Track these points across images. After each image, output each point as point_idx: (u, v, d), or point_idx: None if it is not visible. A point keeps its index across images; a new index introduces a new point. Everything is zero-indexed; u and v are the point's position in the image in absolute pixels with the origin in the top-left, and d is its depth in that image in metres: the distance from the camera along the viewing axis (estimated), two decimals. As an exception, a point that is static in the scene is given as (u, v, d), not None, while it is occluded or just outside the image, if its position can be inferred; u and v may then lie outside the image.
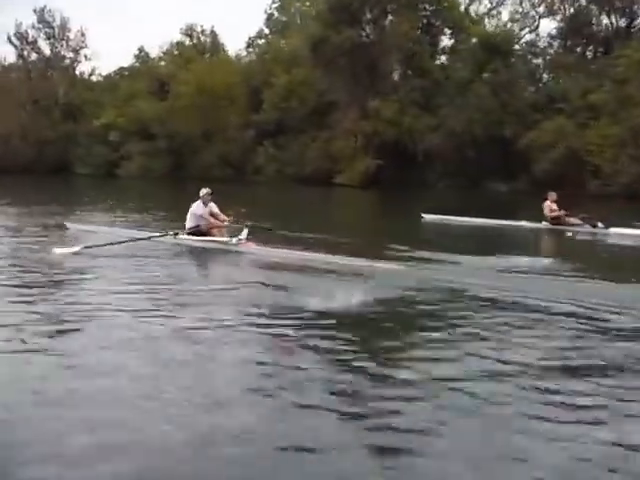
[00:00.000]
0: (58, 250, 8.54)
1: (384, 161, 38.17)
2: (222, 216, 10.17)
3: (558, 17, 40.33)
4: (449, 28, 42.53)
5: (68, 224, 11.83)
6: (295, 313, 5.55)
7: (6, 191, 26.34)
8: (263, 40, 62.11)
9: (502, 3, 44.41)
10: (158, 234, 9.92)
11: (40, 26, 60.68)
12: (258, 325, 5.24)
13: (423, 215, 15.94)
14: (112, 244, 8.92)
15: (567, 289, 6.81)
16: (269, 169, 46.12)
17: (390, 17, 36.74)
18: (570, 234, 13.47)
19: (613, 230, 13.23)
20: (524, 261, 8.77)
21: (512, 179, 33.32)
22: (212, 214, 10.09)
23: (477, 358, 4.46)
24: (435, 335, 5.07)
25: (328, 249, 8.64)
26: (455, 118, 34.09)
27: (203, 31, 58.37)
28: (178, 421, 3.37)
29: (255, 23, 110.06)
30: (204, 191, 10.10)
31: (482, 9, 45.38)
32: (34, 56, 61.73)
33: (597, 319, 5.64)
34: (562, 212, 14.06)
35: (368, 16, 39.78)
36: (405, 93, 37.84)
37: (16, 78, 59.30)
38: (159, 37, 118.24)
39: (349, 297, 5.86)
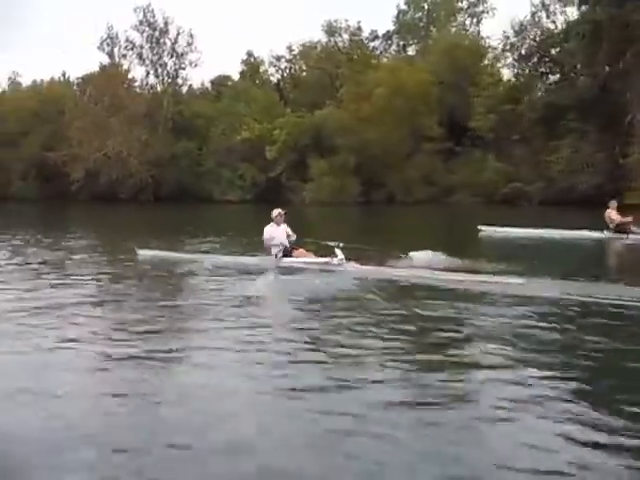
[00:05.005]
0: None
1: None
2: (293, 236, 9.92)
3: None
4: None
5: (138, 250, 10.79)
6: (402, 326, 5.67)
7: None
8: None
9: None
10: (256, 259, 9.98)
11: (145, 28, 50.78)
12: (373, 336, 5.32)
13: (480, 227, 15.86)
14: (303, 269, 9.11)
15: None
16: (497, 187, 37.35)
17: None
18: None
19: None
20: None
21: None
22: (287, 235, 9.86)
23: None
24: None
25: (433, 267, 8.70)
26: None
27: (348, 27, 49.60)
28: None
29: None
30: (276, 212, 9.90)
31: None
32: (134, 62, 51.66)
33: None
34: (628, 219, 14.31)
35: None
36: None
37: (121, 88, 49.07)
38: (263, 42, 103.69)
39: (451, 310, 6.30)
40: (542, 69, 41.18)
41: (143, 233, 17.41)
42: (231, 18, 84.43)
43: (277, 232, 9.75)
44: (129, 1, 77.92)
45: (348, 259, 9.05)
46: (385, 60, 49.89)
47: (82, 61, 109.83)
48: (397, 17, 54.83)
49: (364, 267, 8.96)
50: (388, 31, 55.68)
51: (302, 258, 9.54)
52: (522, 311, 6.31)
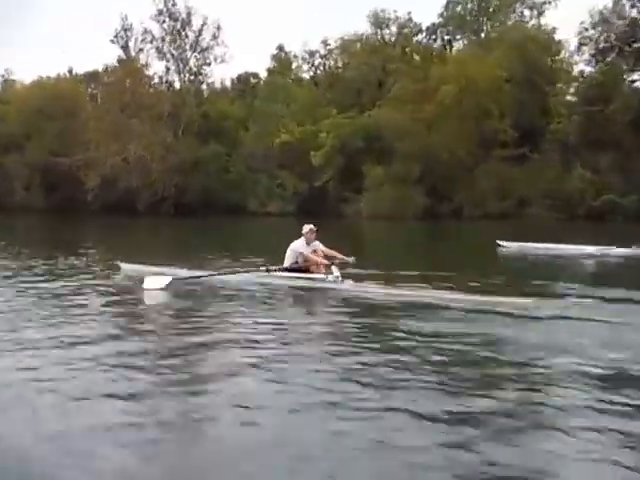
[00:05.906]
0: (146, 285, 7.99)
1: None
2: (331, 252, 8.71)
3: None
4: None
5: (121, 264, 10.10)
6: (396, 350, 5.02)
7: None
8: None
9: None
10: (247, 270, 8.98)
11: (165, 18, 45.49)
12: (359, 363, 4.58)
13: (499, 243, 15.21)
14: (200, 277, 8.58)
15: None
16: (583, 198, 32.51)
17: None
18: None
19: None
20: None
21: None
22: (315, 253, 8.77)
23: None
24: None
25: (435, 286, 8.14)
26: None
27: (397, 19, 44.65)
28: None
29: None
30: (307, 228, 8.72)
31: None
32: (152, 56, 46.31)
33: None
34: None
35: None
36: None
37: (140, 86, 43.83)
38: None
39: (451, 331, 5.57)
40: (622, 65, 36.49)
41: (170, 254, 13.64)
42: (252, 10, 78.71)
43: (302, 249, 8.68)
44: None
45: (344, 277, 8.42)
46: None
47: (84, 55, 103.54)
48: (446, 8, 50.01)
49: (360, 285, 8.31)
50: (433, 24, 50.85)
51: (294, 274, 8.64)
52: (524, 330, 5.70)
